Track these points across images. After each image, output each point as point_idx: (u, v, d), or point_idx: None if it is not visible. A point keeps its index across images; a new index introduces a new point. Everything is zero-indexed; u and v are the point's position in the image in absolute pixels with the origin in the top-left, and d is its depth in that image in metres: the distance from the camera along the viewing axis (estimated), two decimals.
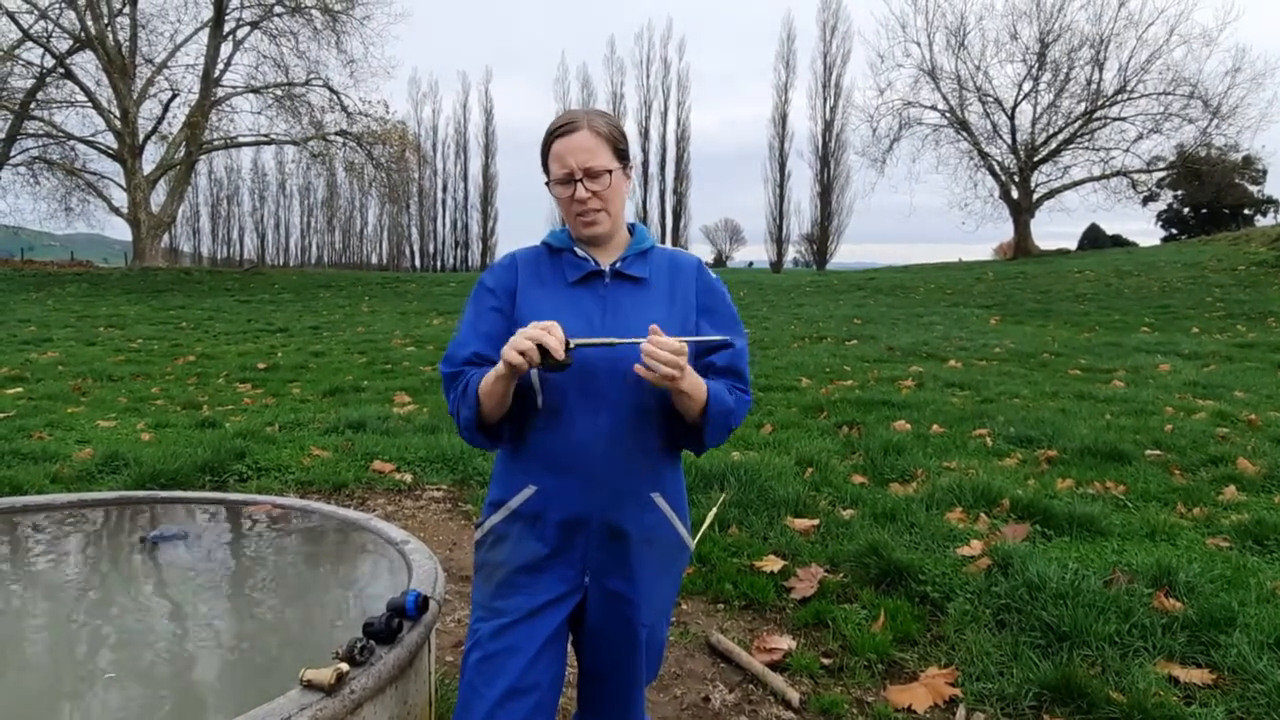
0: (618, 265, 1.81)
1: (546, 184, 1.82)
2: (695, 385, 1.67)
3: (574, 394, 1.72)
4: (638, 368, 1.59)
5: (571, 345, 1.59)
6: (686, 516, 1.90)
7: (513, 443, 1.79)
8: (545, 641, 1.73)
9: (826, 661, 3.07)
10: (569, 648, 1.85)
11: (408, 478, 5.28)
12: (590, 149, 1.74)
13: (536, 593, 1.75)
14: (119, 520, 3.13)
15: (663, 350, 1.56)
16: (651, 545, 1.79)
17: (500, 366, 1.62)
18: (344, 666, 1.75)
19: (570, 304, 1.76)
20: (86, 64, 28.64)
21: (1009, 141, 36.16)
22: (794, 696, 2.84)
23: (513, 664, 1.69)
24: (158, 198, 30.25)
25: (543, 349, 1.56)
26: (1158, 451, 5.70)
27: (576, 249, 1.82)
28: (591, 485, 1.73)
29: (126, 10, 28.80)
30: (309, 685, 1.70)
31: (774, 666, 3.04)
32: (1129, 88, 33.78)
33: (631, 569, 1.77)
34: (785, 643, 3.18)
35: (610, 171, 1.75)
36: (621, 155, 1.79)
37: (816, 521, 4.31)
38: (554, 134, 1.77)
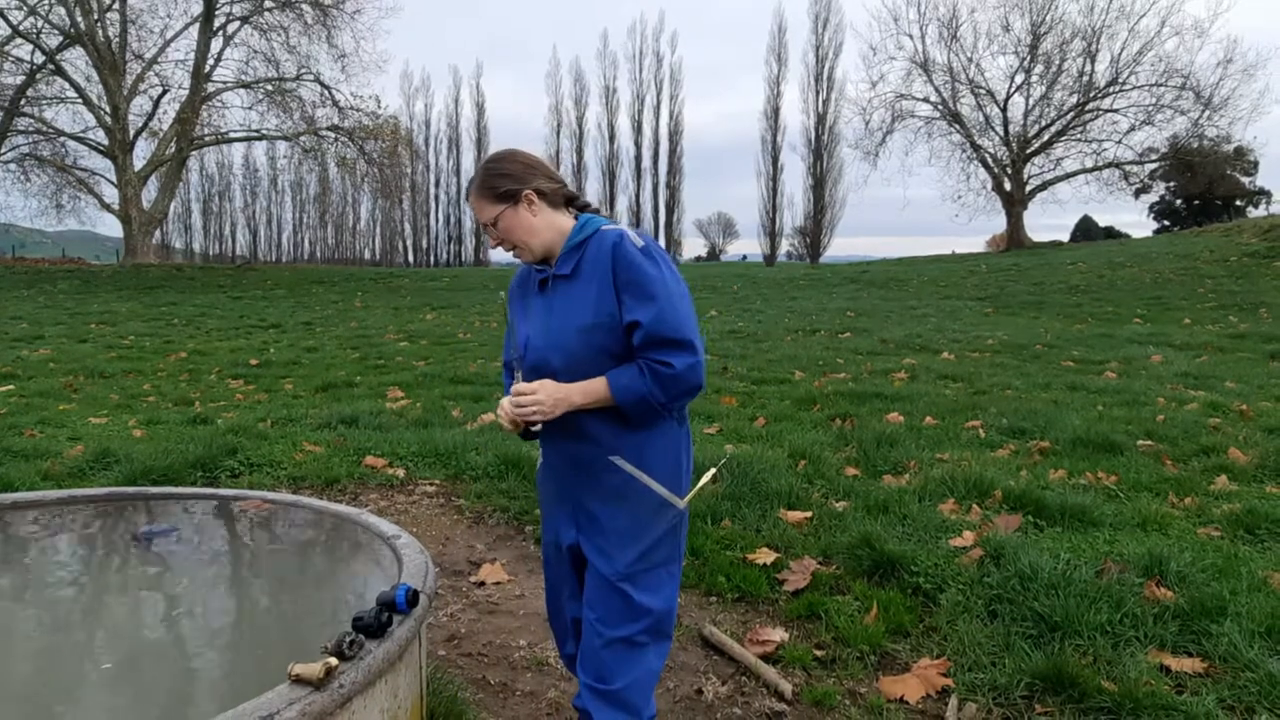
0: (554, 268, 2.03)
1: None
2: (587, 393, 1.92)
3: (545, 373, 1.99)
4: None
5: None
6: (672, 476, 2.02)
7: None
8: (569, 568, 2.14)
9: (819, 653, 3.08)
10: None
11: (400, 473, 5.27)
12: (476, 208, 2.04)
13: (554, 521, 2.16)
14: (110, 517, 3.12)
15: (511, 408, 1.95)
16: (621, 501, 1.99)
17: None
18: (333, 661, 1.74)
19: (533, 311, 2.06)
20: (76, 60, 28.57)
21: (1001, 134, 36.23)
22: (787, 688, 2.84)
23: (551, 575, 2.23)
24: (149, 194, 30.15)
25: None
26: (1150, 442, 5.71)
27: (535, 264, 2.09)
28: (559, 449, 2.06)
29: (116, 6, 28.66)
30: (297, 680, 1.69)
31: (767, 659, 3.04)
32: (1121, 79, 33.88)
33: (599, 523, 2.02)
34: (778, 635, 3.18)
35: (496, 218, 2.00)
36: (504, 196, 1.98)
37: (809, 514, 4.31)
38: None
